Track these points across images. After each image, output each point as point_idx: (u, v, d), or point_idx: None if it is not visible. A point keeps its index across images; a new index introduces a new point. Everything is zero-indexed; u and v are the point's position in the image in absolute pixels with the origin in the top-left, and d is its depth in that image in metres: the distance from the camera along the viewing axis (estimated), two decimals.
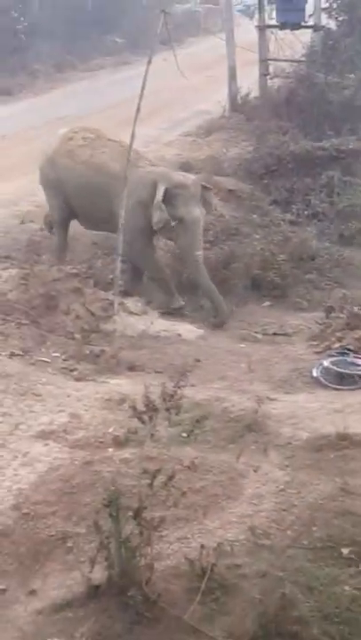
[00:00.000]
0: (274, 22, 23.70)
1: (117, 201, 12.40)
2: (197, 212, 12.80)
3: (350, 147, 18.74)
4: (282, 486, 8.22)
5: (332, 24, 23.73)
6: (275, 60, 23.21)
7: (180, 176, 13.26)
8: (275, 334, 12.46)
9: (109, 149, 13.34)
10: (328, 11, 23.63)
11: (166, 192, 12.55)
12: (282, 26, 23.05)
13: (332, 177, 17.57)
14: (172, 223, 12.59)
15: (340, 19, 23.55)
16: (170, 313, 12.92)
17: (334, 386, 10.48)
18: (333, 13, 23.71)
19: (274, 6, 24.18)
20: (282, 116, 20.85)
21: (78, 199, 13.40)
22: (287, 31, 23.14)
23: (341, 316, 12.18)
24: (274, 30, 23.30)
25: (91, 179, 13.17)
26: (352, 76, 20.47)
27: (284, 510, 7.87)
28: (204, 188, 13.16)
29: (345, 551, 7.32)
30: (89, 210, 13.41)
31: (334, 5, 23.69)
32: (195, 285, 13.33)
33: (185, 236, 12.83)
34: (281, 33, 23.23)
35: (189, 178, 13.26)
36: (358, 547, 7.36)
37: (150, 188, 12.70)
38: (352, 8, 23.06)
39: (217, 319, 12.92)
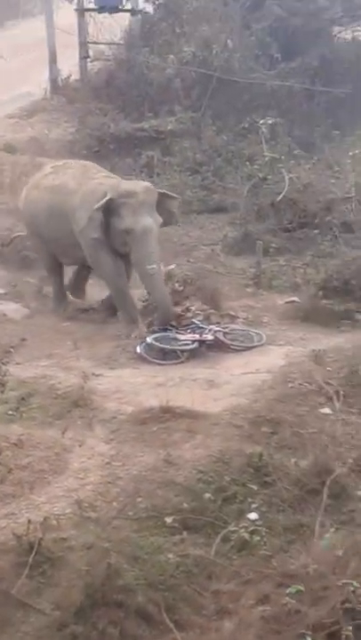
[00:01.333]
0: (92, 6, 23.56)
1: (72, 216, 11.73)
2: (148, 221, 11.37)
3: (169, 128, 18.82)
4: (107, 459, 8.30)
5: (149, 8, 23.72)
6: (94, 42, 23.03)
7: (130, 184, 11.95)
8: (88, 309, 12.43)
9: (72, 170, 12.35)
10: None
11: (111, 202, 11.35)
12: (100, 9, 22.91)
13: (152, 157, 17.64)
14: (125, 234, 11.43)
15: (157, 3, 23.56)
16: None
17: (158, 361, 10.56)
18: None
19: None
20: (102, 98, 20.68)
21: (48, 229, 12.25)
22: (106, 14, 23.05)
23: None
24: (93, 13, 23.15)
25: (51, 201, 12.09)
26: (171, 57, 20.53)
27: (109, 483, 7.95)
28: (166, 196, 12.01)
29: (168, 520, 7.47)
30: (58, 237, 12.15)
31: None
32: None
33: (136, 247, 11.38)
34: (100, 16, 23.12)
35: (140, 185, 11.91)
36: (181, 515, 7.53)
37: (98, 201, 11.44)
38: None
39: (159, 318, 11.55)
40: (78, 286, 12.89)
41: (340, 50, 21.58)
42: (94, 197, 11.52)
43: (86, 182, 11.85)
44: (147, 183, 12.14)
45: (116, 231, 11.40)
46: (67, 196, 11.85)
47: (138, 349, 10.70)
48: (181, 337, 10.86)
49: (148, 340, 10.74)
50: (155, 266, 11.35)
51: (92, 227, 11.37)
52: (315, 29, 21.11)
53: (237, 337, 11.04)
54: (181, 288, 12.09)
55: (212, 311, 11.50)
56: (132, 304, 11.73)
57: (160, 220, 11.58)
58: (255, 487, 7.84)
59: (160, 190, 12.03)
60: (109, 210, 11.34)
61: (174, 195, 12.28)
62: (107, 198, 11.32)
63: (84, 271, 12.68)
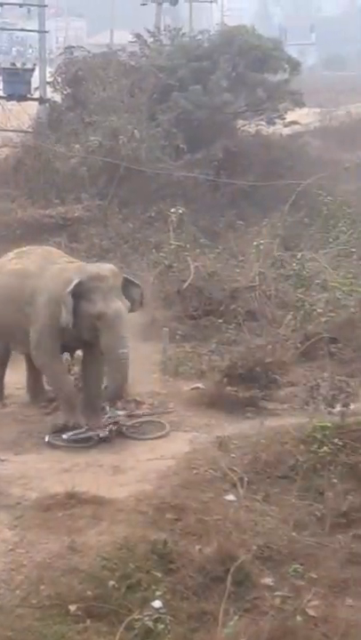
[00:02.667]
0: (1, 93, 23.87)
1: (30, 300, 11.31)
2: (119, 304, 10.97)
3: (76, 215, 19.05)
4: (11, 546, 8.22)
5: (57, 97, 24.12)
6: (2, 129, 23.30)
7: (96, 267, 11.50)
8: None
9: (34, 255, 11.89)
10: (53, 84, 24.01)
11: (80, 285, 10.88)
12: (9, 97, 23.27)
13: (59, 243, 17.75)
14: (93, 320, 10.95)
15: (65, 92, 23.98)
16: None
17: (64, 444, 10.59)
18: (58, 87, 24.12)
19: (1, 78, 24.37)
20: (10, 183, 20.85)
21: (4, 313, 11.64)
22: (14, 102, 23.36)
23: None
24: (1, 101, 23.45)
25: (11, 285, 11.57)
26: (77, 146, 20.83)
27: (13, 570, 7.87)
28: (130, 282, 11.54)
29: (72, 608, 7.41)
30: (14, 322, 11.56)
31: (59, 79, 24.10)
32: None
33: (108, 332, 10.88)
34: (9, 104, 23.42)
35: (106, 268, 11.37)
36: (85, 602, 7.46)
37: (63, 285, 10.99)
38: (76, 82, 23.57)
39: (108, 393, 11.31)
40: (36, 383, 12.26)
41: (243, 142, 22.22)
42: (58, 281, 11.18)
43: (48, 266, 11.50)
44: (112, 266, 11.67)
45: (84, 315, 10.93)
46: (27, 280, 11.44)
47: (47, 438, 10.68)
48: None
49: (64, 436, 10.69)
50: (126, 350, 10.93)
51: (65, 311, 10.78)
52: (219, 122, 21.75)
53: (140, 427, 11.10)
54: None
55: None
56: (72, 391, 11.42)
57: (128, 303, 11.20)
58: (159, 574, 7.79)
59: (125, 276, 11.60)
60: (78, 294, 10.89)
61: (137, 282, 11.84)
62: (76, 281, 10.89)
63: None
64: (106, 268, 11.42)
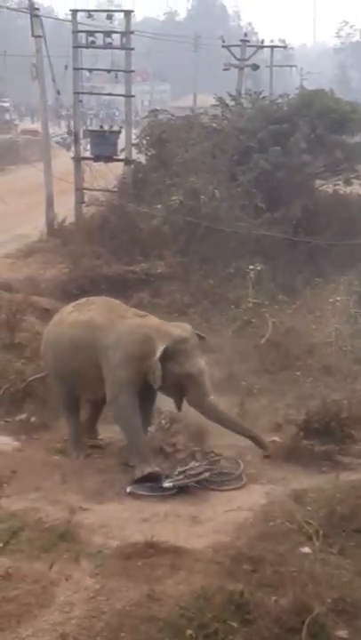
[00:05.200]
0: (89, 154, 24.34)
1: (103, 353, 11.45)
2: (202, 362, 11.49)
3: (158, 271, 19.26)
4: (92, 594, 8.24)
5: (142, 158, 24.49)
6: (89, 189, 23.73)
7: (176, 329, 11.60)
8: (91, 446, 12.39)
9: (96, 306, 11.98)
10: (138, 146, 24.41)
11: (167, 350, 11.18)
12: (96, 158, 23.76)
13: (142, 298, 17.93)
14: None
15: (150, 154, 24.35)
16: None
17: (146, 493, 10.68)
18: (143, 148, 24.50)
19: (89, 140, 24.87)
20: (95, 241, 21.17)
21: (70, 363, 11.79)
22: (101, 163, 23.81)
23: None
24: (89, 162, 23.92)
25: (77, 336, 11.68)
26: (159, 206, 21.08)
27: (93, 617, 7.88)
28: (199, 336, 11.87)
29: None
30: (82, 371, 11.73)
31: (144, 141, 24.49)
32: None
33: (195, 388, 11.36)
34: (95, 164, 23.87)
35: (187, 329, 11.68)
36: None
37: (142, 344, 11.31)
38: (160, 144, 23.92)
39: (264, 452, 11.73)
40: (92, 425, 12.59)
41: (321, 202, 22.25)
42: (132, 338, 11.41)
43: (118, 320, 11.65)
44: (187, 325, 12.00)
45: (172, 376, 11.28)
46: (95, 332, 11.54)
47: (128, 489, 10.75)
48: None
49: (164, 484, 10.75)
50: (212, 397, 11.52)
51: (155, 376, 11.14)
52: (298, 182, 21.81)
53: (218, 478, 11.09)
54: (168, 425, 12.18)
55: (196, 449, 11.56)
56: (145, 444, 11.49)
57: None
58: (236, 624, 7.73)
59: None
60: (164, 357, 11.19)
61: (203, 335, 12.22)
62: (162, 347, 11.17)
63: (97, 410, 12.43)
64: (186, 329, 11.73)
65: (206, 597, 8.04)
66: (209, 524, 9.67)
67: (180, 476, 10.84)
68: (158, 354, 11.12)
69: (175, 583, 8.36)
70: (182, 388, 11.47)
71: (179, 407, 11.72)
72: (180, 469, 10.98)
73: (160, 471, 11.04)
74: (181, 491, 10.68)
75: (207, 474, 10.95)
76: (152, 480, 10.93)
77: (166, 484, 10.74)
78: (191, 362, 11.37)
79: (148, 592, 8.15)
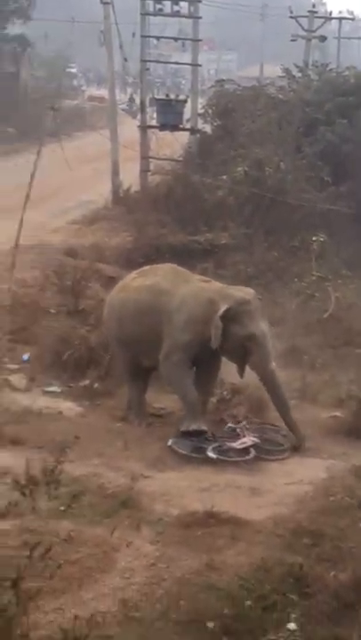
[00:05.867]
0: (155, 123, 24.26)
1: (167, 317, 11.49)
2: (265, 325, 11.48)
3: (222, 242, 19.14)
4: (152, 561, 8.26)
5: (207, 128, 24.35)
6: (155, 158, 23.66)
7: (239, 292, 11.68)
8: (152, 415, 12.44)
9: (161, 272, 12.04)
10: (204, 116, 24.26)
11: (229, 311, 11.20)
12: (162, 127, 23.66)
13: (206, 269, 17.84)
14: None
15: (215, 124, 24.20)
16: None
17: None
18: (209, 119, 24.35)
19: (155, 108, 24.79)
20: (160, 210, 21.09)
21: (134, 329, 11.83)
22: (167, 132, 23.72)
23: None
24: (154, 130, 23.84)
25: (142, 300, 11.73)
26: (224, 177, 20.96)
27: (153, 584, 7.91)
28: None
29: (210, 625, 7.39)
30: (145, 337, 11.72)
31: (210, 111, 24.34)
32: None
33: (258, 350, 11.32)
34: (161, 133, 23.79)
35: (250, 292, 11.71)
36: (222, 620, 7.44)
37: (205, 306, 11.35)
38: (226, 114, 23.76)
39: (295, 442, 11.46)
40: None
41: None
42: (196, 302, 11.45)
43: (182, 284, 11.70)
44: (251, 290, 11.93)
45: (235, 338, 11.30)
46: (160, 297, 11.59)
47: (169, 442, 11.03)
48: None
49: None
50: (274, 365, 11.52)
51: (215, 335, 11.15)
52: None
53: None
54: (229, 397, 12.17)
55: (256, 421, 11.55)
56: (195, 400, 11.54)
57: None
58: (295, 597, 7.73)
59: None
60: (227, 317, 11.22)
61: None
62: (225, 307, 11.22)
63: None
64: (249, 292, 11.73)
65: (266, 569, 8.04)
66: (269, 496, 9.66)
67: (227, 450, 10.91)
68: (220, 312, 11.14)
69: (235, 554, 8.37)
70: (245, 351, 11.41)
71: (241, 373, 11.64)
72: (229, 444, 11.03)
73: (205, 430, 11.19)
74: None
75: (253, 452, 10.92)
76: (196, 436, 11.10)
77: (210, 454, 10.80)
78: (254, 324, 11.32)
79: (208, 561, 8.17)
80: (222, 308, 11.19)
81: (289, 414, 11.61)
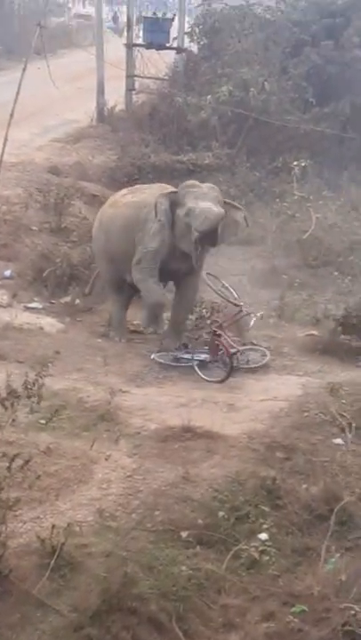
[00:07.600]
0: (141, 41, 23.82)
1: (142, 227, 11.60)
2: (210, 204, 11.12)
3: (205, 162, 18.94)
4: (129, 473, 8.34)
5: (194, 47, 23.91)
6: (140, 76, 23.27)
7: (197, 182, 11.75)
8: (132, 332, 12.45)
9: (149, 190, 12.03)
10: (191, 35, 23.78)
11: (175, 194, 11.33)
12: (148, 45, 23.19)
13: None
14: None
15: (202, 43, 23.75)
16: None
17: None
18: (195, 37, 23.88)
19: (141, 26, 24.31)
20: (144, 129, 20.85)
21: (119, 244, 11.94)
22: (153, 50, 23.30)
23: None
24: (140, 49, 23.40)
25: (128, 215, 11.81)
26: (209, 97, 20.66)
27: (130, 495, 8.00)
28: (232, 206, 11.81)
29: (184, 534, 7.51)
30: (129, 251, 11.74)
31: (196, 30, 23.87)
32: None
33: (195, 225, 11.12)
34: (147, 52, 23.36)
35: (209, 186, 11.73)
36: (196, 530, 7.55)
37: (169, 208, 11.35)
38: (213, 33, 23.32)
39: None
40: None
41: None
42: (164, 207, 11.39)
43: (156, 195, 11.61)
44: (215, 187, 11.86)
45: (179, 222, 11.28)
46: (143, 209, 11.61)
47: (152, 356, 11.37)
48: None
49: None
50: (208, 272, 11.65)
51: (159, 211, 11.16)
52: (349, 78, 21.19)
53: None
54: (208, 314, 12.18)
55: (235, 339, 11.58)
56: (161, 301, 11.82)
57: (223, 211, 11.21)
58: (267, 509, 7.85)
59: (226, 200, 11.82)
60: (174, 203, 11.26)
61: (239, 206, 12.10)
62: (172, 189, 11.41)
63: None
64: (209, 186, 11.73)
65: (239, 482, 8.15)
66: (245, 412, 9.71)
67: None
68: (164, 192, 11.39)
69: (210, 467, 8.44)
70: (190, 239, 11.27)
71: (195, 262, 11.49)
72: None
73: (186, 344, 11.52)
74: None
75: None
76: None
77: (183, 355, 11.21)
78: (196, 202, 11.15)
79: (184, 474, 8.25)
80: (169, 190, 11.50)
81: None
